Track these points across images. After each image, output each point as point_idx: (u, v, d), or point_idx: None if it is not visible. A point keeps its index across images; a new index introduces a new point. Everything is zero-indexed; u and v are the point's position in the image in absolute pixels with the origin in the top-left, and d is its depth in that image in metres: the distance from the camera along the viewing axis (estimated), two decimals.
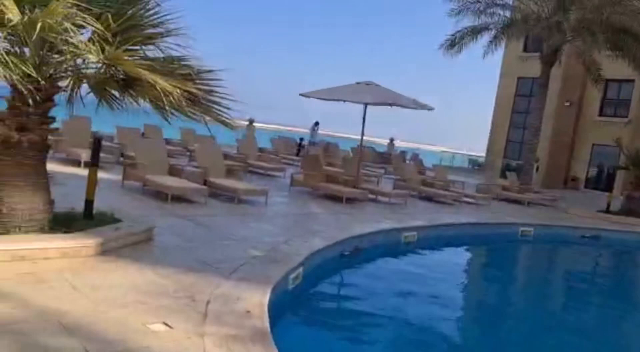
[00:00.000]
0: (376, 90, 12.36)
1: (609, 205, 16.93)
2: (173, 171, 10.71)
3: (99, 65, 5.40)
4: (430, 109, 12.61)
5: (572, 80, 27.34)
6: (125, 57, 4.65)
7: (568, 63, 24.30)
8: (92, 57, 4.58)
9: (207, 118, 5.71)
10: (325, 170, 14.59)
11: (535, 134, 21.02)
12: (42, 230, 5.58)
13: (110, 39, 4.65)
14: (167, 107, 5.05)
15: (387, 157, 26.25)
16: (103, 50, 4.80)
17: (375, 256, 8.96)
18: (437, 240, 10.64)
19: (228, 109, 5.96)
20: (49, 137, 5.74)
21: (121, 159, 12.90)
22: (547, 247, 13.37)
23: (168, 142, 18.20)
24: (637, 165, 17.51)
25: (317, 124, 25.24)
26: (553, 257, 13.32)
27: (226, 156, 14.75)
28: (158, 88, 4.65)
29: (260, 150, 19.26)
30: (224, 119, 5.95)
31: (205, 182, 10.55)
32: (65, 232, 5.65)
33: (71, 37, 4.43)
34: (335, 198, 12.19)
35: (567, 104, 28.02)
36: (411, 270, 8.90)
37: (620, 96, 27.61)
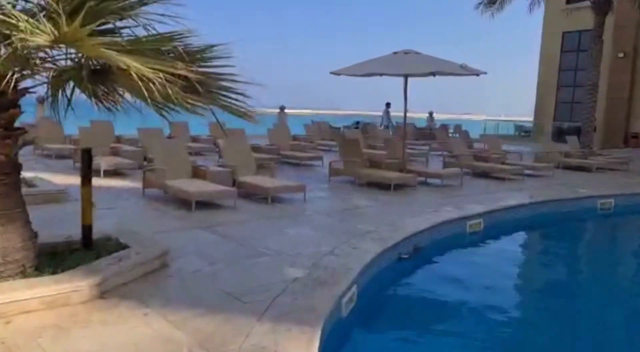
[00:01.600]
0: (417, 59, 10.77)
1: None
2: (197, 173, 9.51)
3: (75, 55, 4.17)
4: (482, 73, 10.97)
5: (625, 30, 25.09)
6: (82, 36, 3.33)
7: (619, 10, 22.13)
8: (40, 40, 3.29)
9: (212, 108, 4.39)
10: (366, 154, 13.19)
11: (592, 91, 19.06)
12: (23, 273, 4.38)
13: (62, 13, 3.33)
14: (148, 99, 3.73)
15: (428, 133, 24.59)
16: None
17: (438, 254, 7.52)
18: (506, 225, 9.10)
19: (243, 95, 4.62)
20: (19, 152, 4.49)
21: (145, 163, 11.85)
22: (636, 220, 11.52)
23: (196, 139, 17.12)
24: None
25: (388, 105, 22.86)
26: None
27: (257, 149, 13.52)
28: (133, 73, 3.34)
29: (294, 138, 17.96)
30: (237, 108, 4.60)
31: (234, 182, 9.35)
32: (53, 272, 4.45)
33: (8, 16, 3.17)
34: (381, 186, 10.78)
35: (621, 55, 25.70)
36: (486, 266, 7.42)
37: None
